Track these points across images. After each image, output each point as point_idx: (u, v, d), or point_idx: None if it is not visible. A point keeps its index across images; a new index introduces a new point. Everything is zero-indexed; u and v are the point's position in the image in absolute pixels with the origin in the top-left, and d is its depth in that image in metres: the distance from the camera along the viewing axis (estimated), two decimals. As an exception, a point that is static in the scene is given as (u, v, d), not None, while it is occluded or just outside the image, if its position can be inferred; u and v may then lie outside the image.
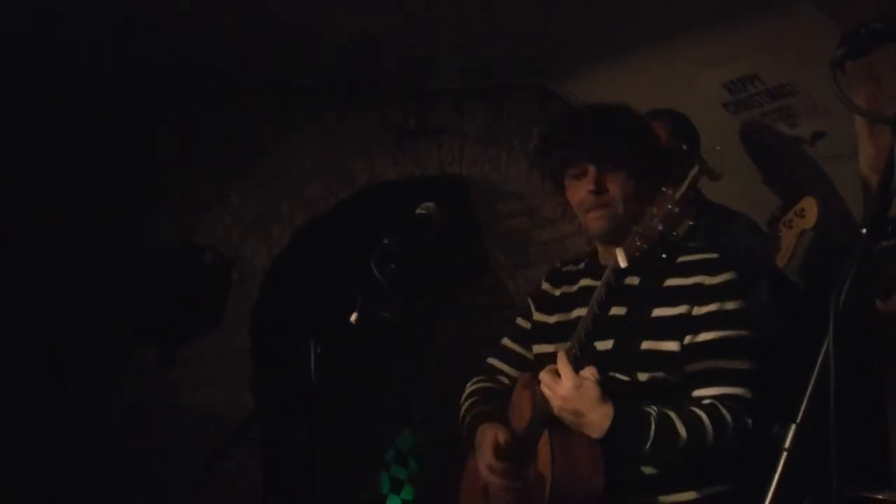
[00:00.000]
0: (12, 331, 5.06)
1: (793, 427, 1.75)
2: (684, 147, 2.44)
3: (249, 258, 5.58)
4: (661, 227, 2.43)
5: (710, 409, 2.65)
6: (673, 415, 2.64)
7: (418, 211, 2.78)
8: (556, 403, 2.64)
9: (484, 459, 2.95)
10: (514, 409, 3.03)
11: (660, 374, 2.74)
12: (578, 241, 5.69)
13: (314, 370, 2.46)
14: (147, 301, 5.46)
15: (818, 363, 1.76)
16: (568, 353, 2.67)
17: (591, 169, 2.80)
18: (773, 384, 3.81)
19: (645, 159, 2.82)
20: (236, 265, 5.54)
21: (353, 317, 2.68)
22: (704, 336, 2.73)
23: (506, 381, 3.23)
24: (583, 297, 2.91)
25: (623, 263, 2.51)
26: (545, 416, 2.74)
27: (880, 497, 2.87)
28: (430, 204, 2.79)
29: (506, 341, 3.26)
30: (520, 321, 3.23)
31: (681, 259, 2.80)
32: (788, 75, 4.27)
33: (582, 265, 3.07)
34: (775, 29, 4.10)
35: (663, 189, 2.40)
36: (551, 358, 2.84)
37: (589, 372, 2.62)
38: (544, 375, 2.67)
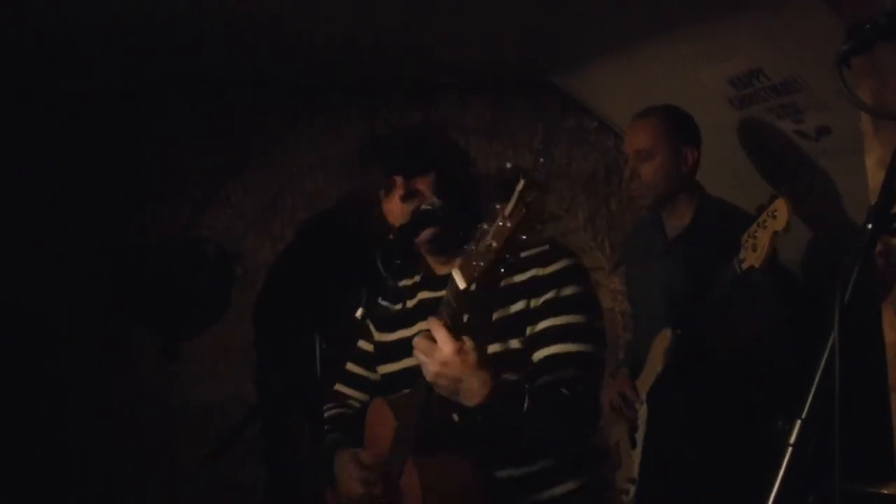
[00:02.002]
0: (11, 324, 5.07)
1: (798, 423, 1.75)
2: (508, 165, 2.40)
3: (252, 252, 5.59)
4: (494, 244, 2.36)
5: (565, 389, 2.68)
6: (544, 391, 2.66)
7: (423, 206, 2.78)
8: (433, 369, 2.51)
9: (350, 481, 2.86)
10: (371, 435, 2.96)
11: (507, 375, 2.69)
12: (583, 236, 5.70)
13: (319, 365, 2.46)
14: (149, 294, 5.47)
15: (823, 358, 1.76)
16: (466, 273, 2.48)
17: (398, 179, 2.84)
18: (777, 379, 3.84)
19: (446, 161, 2.89)
20: (239, 259, 5.54)
21: (359, 312, 2.69)
22: (544, 324, 2.75)
23: (357, 405, 3.19)
24: (423, 310, 2.89)
25: (462, 285, 2.45)
26: (411, 430, 2.71)
27: (884, 492, 2.87)
28: (435, 199, 2.79)
29: (350, 366, 3.23)
30: (362, 343, 3.20)
31: (519, 256, 2.78)
32: (793, 70, 4.26)
33: (417, 278, 3.05)
34: (779, 22, 4.10)
35: (496, 206, 2.35)
36: (399, 376, 2.91)
37: (467, 338, 2.52)
38: (419, 341, 2.55)
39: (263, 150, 5.61)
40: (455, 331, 2.51)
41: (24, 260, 5.16)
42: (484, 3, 4.31)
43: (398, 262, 2.60)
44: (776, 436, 1.77)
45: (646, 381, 4.07)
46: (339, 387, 3.25)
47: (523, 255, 2.78)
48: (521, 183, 2.29)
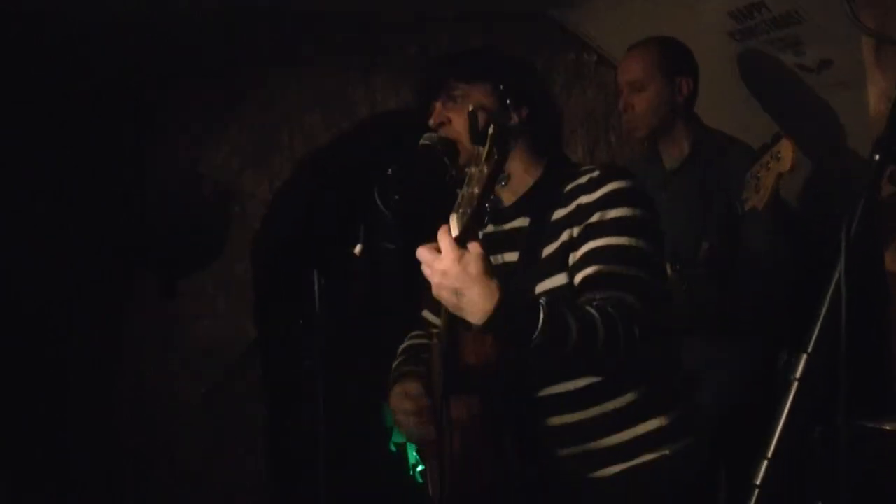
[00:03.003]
0: (11, 321, 5.07)
1: (804, 357, 1.74)
2: (471, 107, 2.36)
3: (250, 189, 5.57)
4: (476, 191, 2.27)
5: (597, 308, 2.43)
6: (563, 308, 2.40)
7: (421, 142, 2.74)
8: (434, 280, 2.32)
9: (398, 414, 2.86)
10: (433, 365, 2.88)
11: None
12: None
13: (318, 302, 2.44)
14: (147, 234, 5.46)
15: (829, 292, 1.74)
16: (459, 219, 2.34)
17: (435, 105, 2.80)
18: (782, 314, 3.84)
19: (488, 83, 2.76)
20: (237, 196, 5.53)
21: (357, 249, 2.66)
22: (584, 248, 2.61)
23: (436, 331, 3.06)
24: (486, 243, 2.57)
25: (455, 232, 2.32)
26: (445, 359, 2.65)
27: (887, 428, 2.86)
28: (433, 134, 2.75)
29: None
30: None
31: (567, 187, 2.71)
32: (795, 2, 4.22)
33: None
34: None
35: (477, 148, 2.27)
36: None
37: (473, 246, 2.30)
38: (422, 251, 2.35)
39: (259, 86, 5.58)
40: (462, 240, 2.31)
41: (24, 198, 5.16)
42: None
43: (397, 198, 2.57)
44: (781, 370, 1.76)
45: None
46: (425, 313, 3.14)
47: (571, 185, 2.70)
48: (492, 128, 2.22)
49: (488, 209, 2.30)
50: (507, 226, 2.84)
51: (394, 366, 3.10)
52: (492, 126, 2.24)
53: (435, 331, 3.02)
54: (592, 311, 2.42)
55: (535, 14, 5.59)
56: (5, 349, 4.98)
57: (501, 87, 2.68)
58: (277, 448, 5.72)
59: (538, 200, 2.76)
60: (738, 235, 3.86)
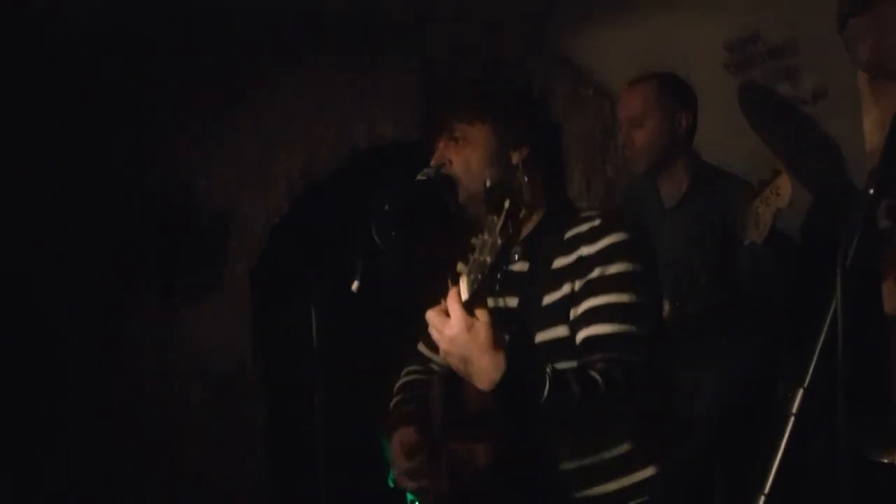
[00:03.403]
0: (11, 267, 5.08)
1: (801, 392, 1.74)
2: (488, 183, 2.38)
3: (247, 213, 5.59)
4: (487, 259, 2.31)
5: (601, 372, 2.47)
6: (567, 374, 2.44)
7: (419, 176, 2.75)
8: (443, 347, 2.37)
9: (397, 467, 2.86)
10: (429, 404, 2.89)
11: (563, 364, 2.56)
12: (579, 204, 5.66)
13: (315, 336, 2.44)
14: (146, 235, 5.48)
15: (825, 325, 1.74)
16: (469, 284, 2.38)
17: (439, 142, 2.80)
18: (777, 347, 3.84)
19: (488, 124, 2.76)
20: (233, 224, 5.56)
21: (355, 285, 2.66)
22: (585, 305, 2.61)
23: (436, 368, 3.07)
24: (504, 281, 2.80)
25: (465, 296, 2.36)
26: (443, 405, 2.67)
27: (886, 461, 2.86)
28: (431, 169, 2.76)
29: None
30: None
31: (568, 234, 2.71)
32: (789, 33, 4.24)
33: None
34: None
35: (492, 217, 2.30)
36: None
37: (481, 314, 2.34)
38: (432, 316, 2.39)
39: (259, 109, 5.59)
40: (470, 307, 2.36)
41: (24, 202, 5.17)
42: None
43: (394, 233, 2.57)
44: (778, 402, 1.76)
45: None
46: (421, 347, 3.14)
47: (571, 233, 2.70)
48: (508, 203, 2.25)
49: (500, 278, 2.44)
50: (510, 269, 2.82)
51: (392, 403, 3.09)
52: (508, 201, 2.26)
53: (435, 367, 3.04)
54: (596, 375, 2.46)
55: (532, 45, 5.61)
56: (5, 349, 4.98)
57: (502, 129, 2.75)
58: (277, 448, 5.71)
59: (539, 246, 2.76)
60: (737, 270, 3.87)
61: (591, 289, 2.62)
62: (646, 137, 4.17)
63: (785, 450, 1.70)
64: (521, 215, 2.26)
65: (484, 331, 2.32)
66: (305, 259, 5.55)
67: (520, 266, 2.79)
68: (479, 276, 2.34)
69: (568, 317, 2.65)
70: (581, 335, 2.61)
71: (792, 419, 1.72)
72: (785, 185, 3.47)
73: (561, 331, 2.66)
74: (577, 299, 2.63)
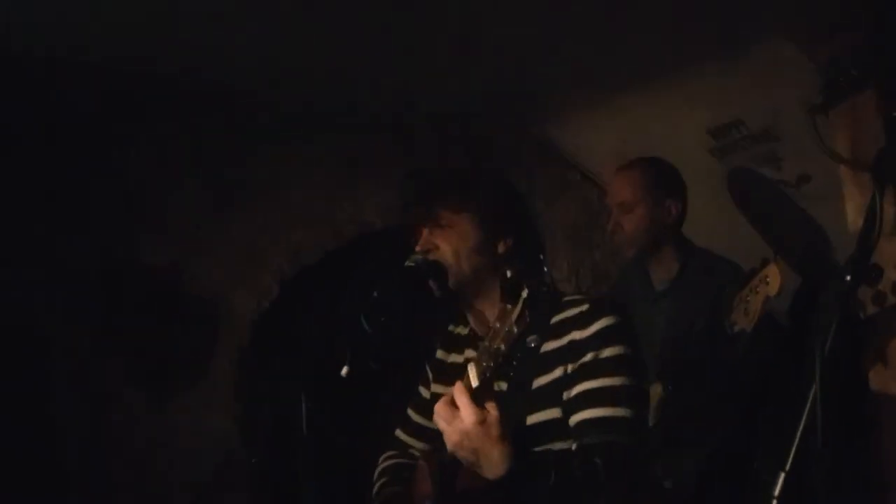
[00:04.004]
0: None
1: (781, 475, 1.75)
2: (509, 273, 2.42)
3: (234, 302, 5.59)
4: (502, 347, 2.36)
5: (602, 459, 2.53)
6: (570, 465, 2.52)
7: (407, 263, 2.78)
8: (453, 439, 2.41)
9: None
10: (417, 486, 2.89)
11: (556, 445, 2.66)
12: (568, 288, 5.69)
13: (305, 425, 2.44)
14: (136, 344, 5.46)
15: (806, 411, 1.77)
16: (479, 372, 2.43)
17: (422, 230, 2.84)
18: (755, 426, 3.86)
19: (475, 214, 2.82)
20: (223, 312, 5.55)
21: (344, 370, 2.67)
22: (578, 388, 2.66)
23: (416, 454, 3.10)
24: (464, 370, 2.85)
25: (474, 383, 2.41)
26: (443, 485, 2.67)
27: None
28: (419, 256, 2.79)
29: (410, 412, 3.15)
30: (422, 390, 3.14)
31: (555, 319, 2.76)
32: (771, 120, 4.29)
33: (467, 330, 3.02)
34: (757, 74, 4.13)
35: (507, 306, 2.35)
36: (437, 434, 2.76)
37: (491, 407, 2.40)
38: (441, 408, 2.43)
39: (248, 200, 5.61)
40: (478, 399, 2.41)
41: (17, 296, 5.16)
42: (465, 54, 4.34)
43: (382, 319, 2.59)
44: (753, 477, 1.78)
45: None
46: (399, 433, 3.17)
47: (559, 317, 2.76)
48: (526, 292, 2.29)
49: (515, 364, 2.42)
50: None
51: (375, 489, 3.10)
52: (525, 290, 2.31)
53: (414, 452, 3.07)
54: (597, 459, 2.52)
55: (516, 131, 5.65)
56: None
57: (490, 219, 2.82)
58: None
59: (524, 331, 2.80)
60: (726, 356, 3.89)
61: (586, 372, 2.66)
62: (635, 223, 4.21)
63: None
64: (539, 305, 2.31)
65: (495, 424, 2.37)
66: (294, 346, 5.56)
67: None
68: (491, 364, 2.38)
69: (561, 399, 2.69)
70: (576, 418, 2.66)
71: (774, 503, 1.74)
72: (774, 275, 3.51)
73: (554, 413, 2.69)
74: (571, 382, 2.68)
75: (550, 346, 2.73)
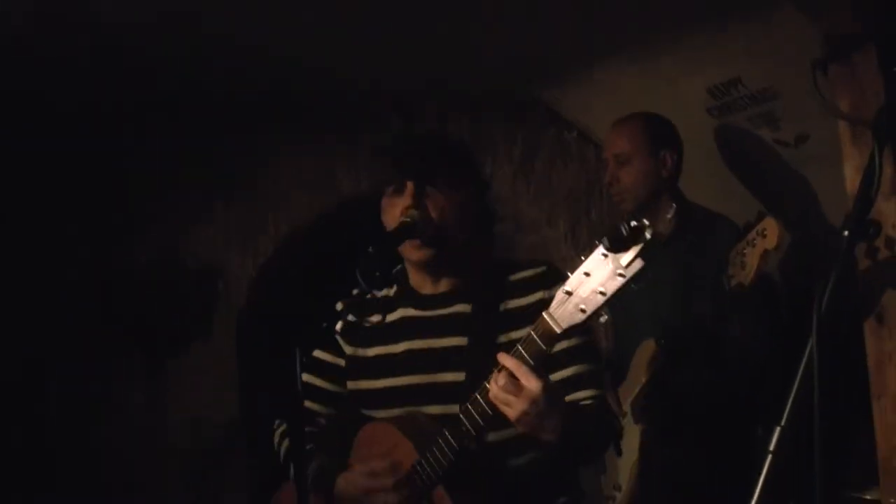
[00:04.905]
0: None
1: (777, 430, 1.75)
2: (633, 223, 2.38)
3: (234, 268, 5.59)
4: (605, 293, 2.34)
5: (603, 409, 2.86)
6: (591, 413, 2.81)
7: (403, 218, 2.78)
8: (521, 407, 2.46)
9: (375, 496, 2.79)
10: (365, 457, 2.87)
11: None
12: (564, 247, 5.69)
13: (299, 379, 2.44)
14: (134, 314, 5.47)
15: (802, 366, 1.76)
16: (518, 356, 2.51)
17: (409, 184, 2.83)
18: (758, 387, 3.85)
19: (464, 188, 2.87)
20: (221, 275, 5.56)
21: (339, 325, 2.67)
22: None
23: (323, 422, 3.08)
24: (407, 328, 2.91)
25: (558, 329, 2.46)
26: (443, 459, 2.68)
27: (867, 497, 2.87)
28: (414, 211, 2.79)
29: (312, 379, 3.06)
30: (324, 356, 3.05)
31: (513, 278, 2.88)
32: (770, 79, 4.28)
33: (392, 291, 3.02)
34: (756, 32, 4.11)
35: (608, 254, 2.30)
36: (376, 394, 2.88)
37: (543, 373, 2.51)
38: (502, 383, 2.49)
39: (245, 168, 5.62)
40: (537, 369, 2.49)
41: (12, 275, 5.17)
42: (464, 18, 4.32)
43: (378, 274, 2.58)
44: (756, 444, 1.78)
45: (629, 392, 4.06)
46: (308, 404, 3.09)
47: (524, 274, 2.88)
48: (648, 237, 2.23)
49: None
50: (444, 311, 2.92)
51: (283, 454, 3.10)
52: (649, 235, 2.25)
53: (322, 420, 3.08)
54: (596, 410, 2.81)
55: (516, 93, 5.64)
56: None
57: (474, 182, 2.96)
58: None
59: (479, 287, 2.89)
60: (723, 311, 3.89)
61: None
62: (632, 175, 4.22)
63: (763, 487, 1.71)
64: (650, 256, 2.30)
65: (556, 389, 2.55)
66: (289, 304, 5.58)
67: (461, 307, 2.89)
68: (587, 310, 2.40)
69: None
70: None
71: (770, 457, 1.73)
72: (772, 227, 3.50)
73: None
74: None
75: (516, 303, 2.85)
